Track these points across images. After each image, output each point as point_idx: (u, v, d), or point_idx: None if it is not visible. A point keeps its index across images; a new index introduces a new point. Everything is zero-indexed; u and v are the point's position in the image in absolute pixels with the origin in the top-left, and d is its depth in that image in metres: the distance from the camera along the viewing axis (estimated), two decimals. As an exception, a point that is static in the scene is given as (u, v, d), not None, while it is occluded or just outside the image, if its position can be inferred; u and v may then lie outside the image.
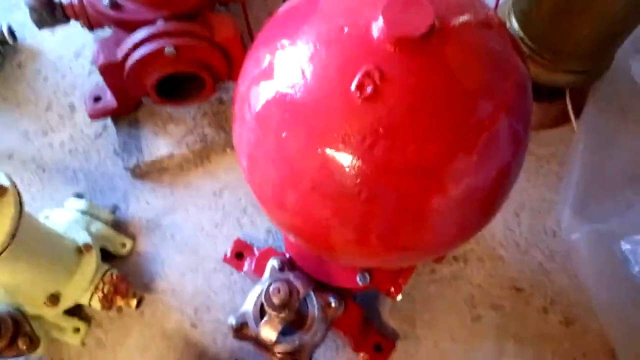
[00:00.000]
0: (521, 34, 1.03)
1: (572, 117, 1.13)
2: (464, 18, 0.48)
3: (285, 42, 0.49)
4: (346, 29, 0.46)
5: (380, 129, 0.44)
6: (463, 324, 1.02)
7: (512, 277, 1.06)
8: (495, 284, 1.05)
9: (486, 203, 0.53)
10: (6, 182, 0.74)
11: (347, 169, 0.46)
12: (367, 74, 0.44)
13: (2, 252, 0.72)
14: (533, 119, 1.13)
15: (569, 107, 1.13)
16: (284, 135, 0.47)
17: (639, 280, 0.85)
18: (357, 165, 0.45)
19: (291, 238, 0.60)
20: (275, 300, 0.65)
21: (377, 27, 0.45)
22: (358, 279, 0.87)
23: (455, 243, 0.60)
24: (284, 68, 0.48)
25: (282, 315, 0.69)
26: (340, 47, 0.46)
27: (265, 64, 0.50)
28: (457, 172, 0.47)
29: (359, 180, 0.46)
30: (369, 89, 0.44)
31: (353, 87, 0.44)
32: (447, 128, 0.46)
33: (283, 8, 0.55)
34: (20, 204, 0.75)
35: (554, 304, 1.03)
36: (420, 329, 1.01)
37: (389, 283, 0.92)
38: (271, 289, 0.65)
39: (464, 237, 0.59)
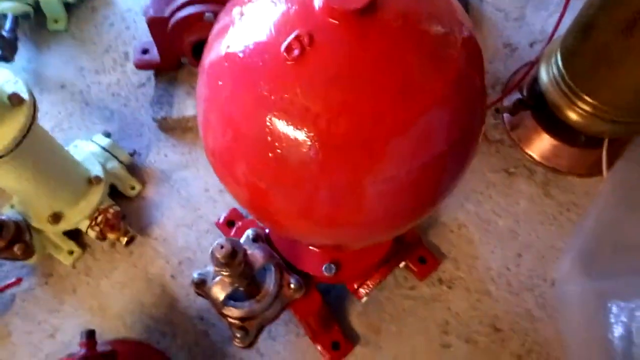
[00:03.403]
0: (562, 70, 0.99)
1: (605, 169, 1.07)
2: (418, 10, 0.47)
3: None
4: (296, -6, 0.48)
5: (299, 91, 0.45)
6: (430, 347, 0.99)
7: (495, 315, 1.01)
8: (475, 318, 1.01)
9: (418, 191, 0.52)
10: (25, 96, 0.82)
11: (272, 128, 0.47)
12: (297, 38, 0.45)
13: (3, 156, 0.80)
14: (564, 163, 1.13)
15: (604, 158, 1.07)
16: (220, 83, 0.49)
17: (614, 346, 0.78)
18: (277, 124, 0.46)
19: (242, 208, 0.61)
20: (218, 255, 0.67)
21: (319, -4, 0.46)
22: (324, 268, 0.87)
23: (394, 227, 0.59)
24: (237, 24, 0.50)
25: (226, 273, 0.71)
26: (285, 10, 0.47)
27: (225, 19, 0.52)
28: (373, 151, 0.46)
29: (283, 143, 0.47)
30: (295, 52, 0.45)
31: (283, 48, 0.45)
32: (366, 106, 0.45)
33: None
34: (33, 118, 0.83)
35: (531, 353, 0.97)
36: (384, 339, 0.99)
37: (357, 282, 0.92)
38: (215, 244, 0.67)
39: (400, 223, 0.58)
